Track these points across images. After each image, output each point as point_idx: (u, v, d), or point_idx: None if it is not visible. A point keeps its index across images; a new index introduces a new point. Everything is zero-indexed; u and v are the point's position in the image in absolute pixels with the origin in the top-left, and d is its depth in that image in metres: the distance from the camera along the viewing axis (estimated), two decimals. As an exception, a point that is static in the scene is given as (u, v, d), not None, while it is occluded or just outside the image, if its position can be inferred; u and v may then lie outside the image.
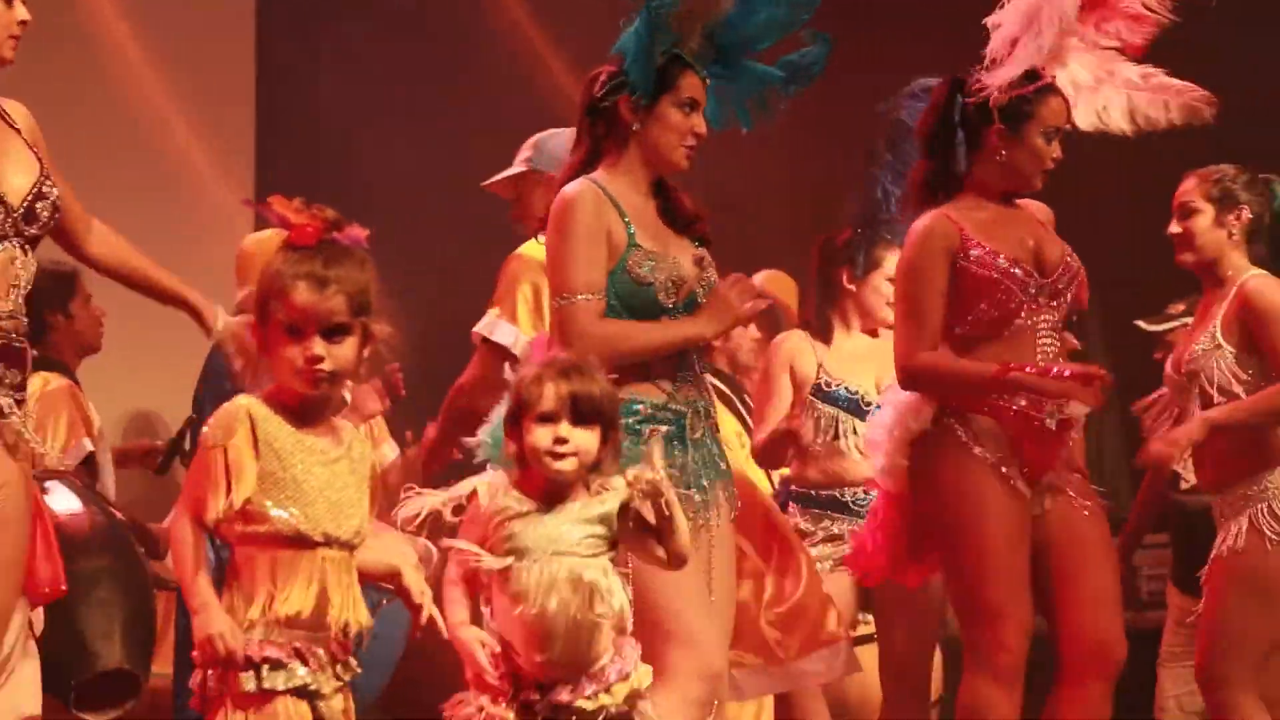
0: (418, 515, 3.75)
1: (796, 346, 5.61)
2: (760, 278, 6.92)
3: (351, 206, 3.79)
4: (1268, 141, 6.45)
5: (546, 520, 3.73)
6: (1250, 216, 5.21)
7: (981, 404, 4.60)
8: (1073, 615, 4.62)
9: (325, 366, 3.56)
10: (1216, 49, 5.04)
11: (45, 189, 3.82)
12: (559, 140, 5.34)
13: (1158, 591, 7.09)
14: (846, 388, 5.50)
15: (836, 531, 5.47)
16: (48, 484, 4.26)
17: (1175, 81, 4.93)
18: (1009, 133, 4.70)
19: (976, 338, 4.64)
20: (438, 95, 8.06)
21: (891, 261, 5.44)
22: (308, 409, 3.61)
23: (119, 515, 4.70)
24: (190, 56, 7.62)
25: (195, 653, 3.52)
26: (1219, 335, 5.11)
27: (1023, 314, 4.63)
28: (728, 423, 5.69)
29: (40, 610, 3.86)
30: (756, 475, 5.70)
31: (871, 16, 7.00)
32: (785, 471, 5.83)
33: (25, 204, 3.77)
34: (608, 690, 3.71)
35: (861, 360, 5.55)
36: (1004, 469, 4.58)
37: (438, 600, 3.79)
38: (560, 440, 3.73)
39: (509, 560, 3.67)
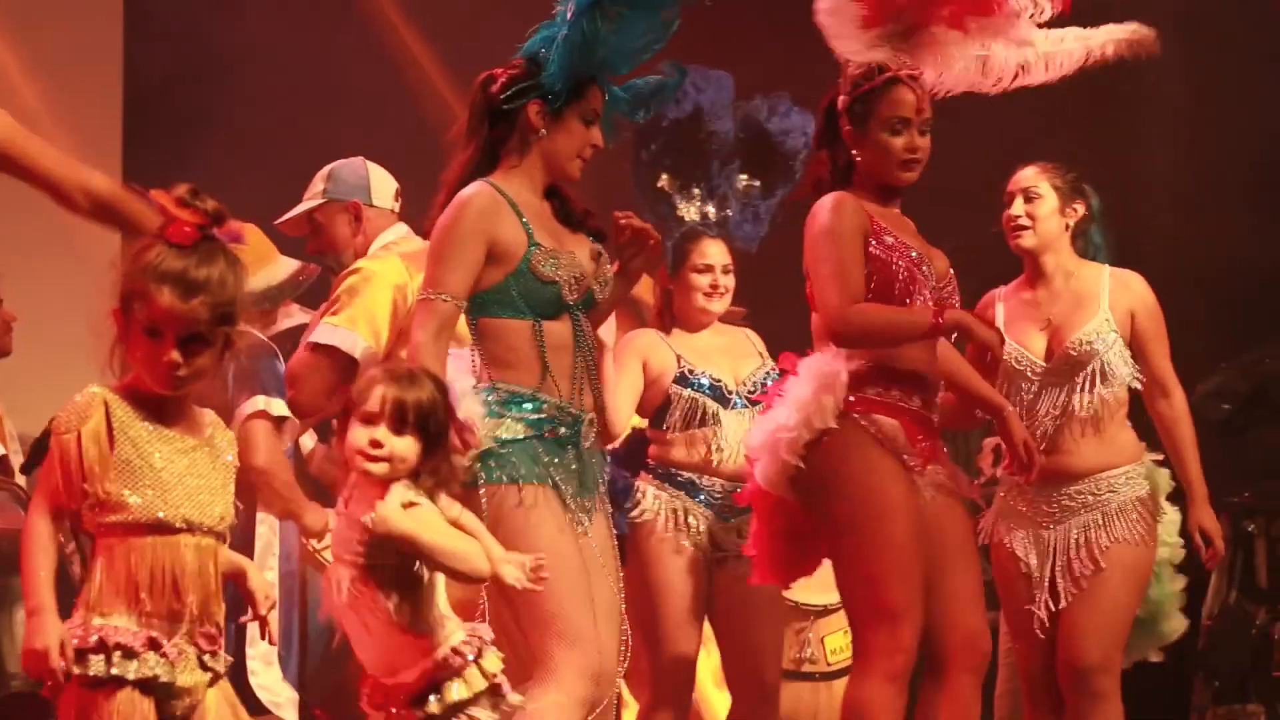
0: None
1: (650, 341, 5.59)
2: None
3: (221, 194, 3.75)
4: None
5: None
6: (1084, 213, 5.32)
7: (880, 404, 4.59)
8: (943, 608, 4.60)
9: (180, 372, 3.50)
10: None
11: None
12: (351, 168, 5.49)
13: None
14: (710, 375, 5.49)
15: (685, 516, 5.42)
16: None
17: (1103, 30, 4.96)
18: (857, 133, 4.71)
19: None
20: (304, 81, 8.03)
21: (699, 250, 5.56)
22: (165, 399, 3.56)
23: None
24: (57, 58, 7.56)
25: (22, 661, 3.46)
26: (1114, 324, 5.19)
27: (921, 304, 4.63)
28: None
29: None
30: None
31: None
32: None
33: None
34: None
35: (714, 353, 5.54)
36: (905, 468, 4.58)
37: None
38: (375, 444, 3.74)
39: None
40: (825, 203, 4.66)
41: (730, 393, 5.47)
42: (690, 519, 5.41)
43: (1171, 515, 5.25)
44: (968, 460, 5.55)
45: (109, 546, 3.49)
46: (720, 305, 5.61)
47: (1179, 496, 5.27)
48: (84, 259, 4.37)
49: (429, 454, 3.78)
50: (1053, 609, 5.13)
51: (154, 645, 3.46)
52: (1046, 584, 5.14)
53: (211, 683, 3.56)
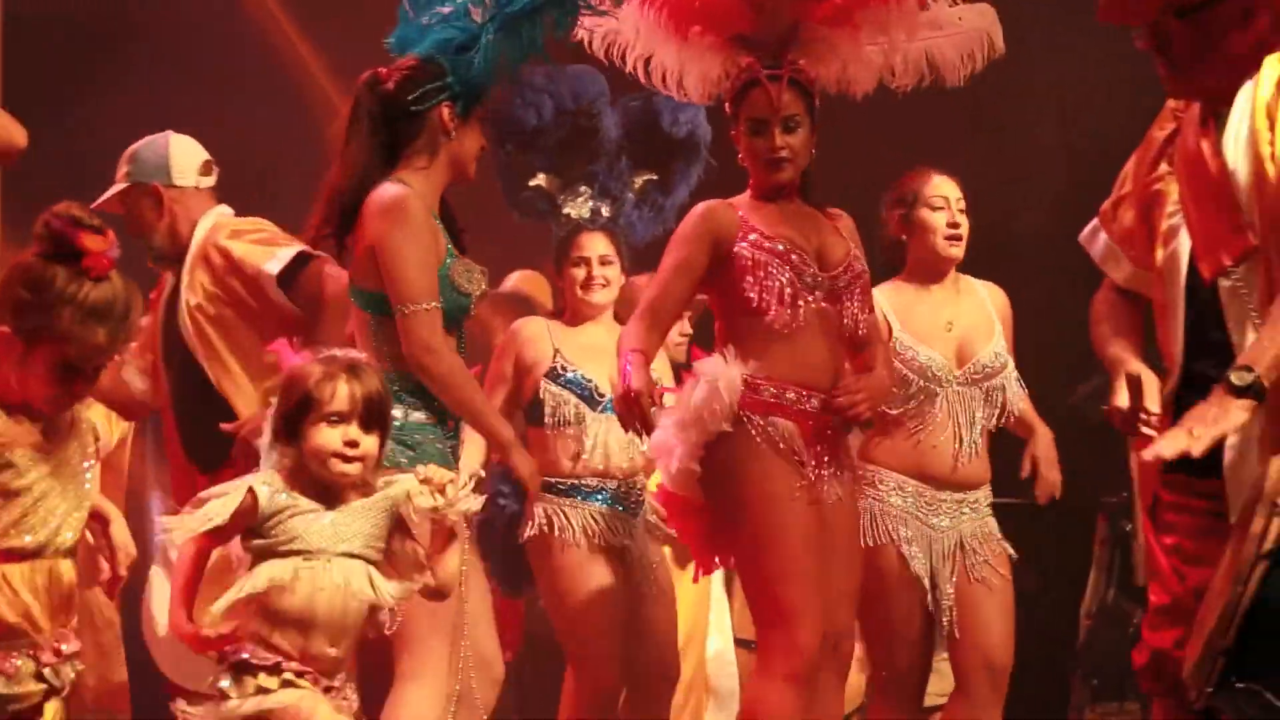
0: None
1: (532, 333, 5.57)
2: (514, 278, 6.96)
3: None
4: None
5: (331, 518, 3.66)
6: None
7: (776, 406, 4.58)
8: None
9: (65, 400, 3.51)
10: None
11: None
12: (153, 148, 5.38)
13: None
14: (582, 374, 5.47)
15: (581, 519, 5.40)
16: None
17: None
18: (735, 134, 4.74)
19: (755, 325, 4.61)
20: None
21: (580, 243, 5.57)
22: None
23: None
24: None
25: None
26: (1005, 344, 5.25)
27: (799, 303, 4.60)
28: None
29: None
30: None
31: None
32: None
33: None
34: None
35: (598, 351, 5.51)
36: (804, 470, 4.57)
37: None
38: (351, 443, 3.65)
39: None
40: (694, 210, 4.73)
41: (601, 396, 5.45)
42: (586, 519, 5.40)
43: None
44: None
45: None
46: (602, 296, 5.60)
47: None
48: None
49: (381, 446, 3.73)
50: (949, 613, 5.13)
51: None
52: (941, 586, 5.12)
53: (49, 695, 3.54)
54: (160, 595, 5.33)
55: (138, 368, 5.37)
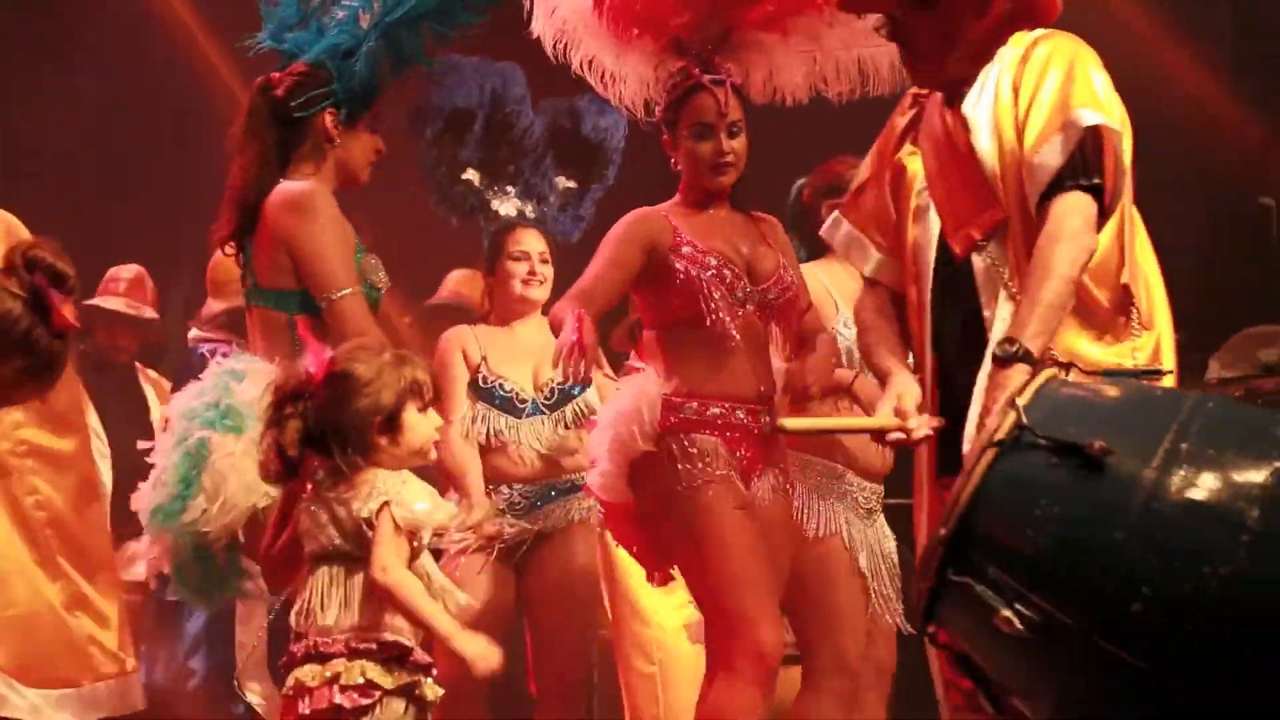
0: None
1: (462, 337, 5.58)
2: (454, 278, 6.98)
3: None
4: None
5: None
6: None
7: (698, 423, 4.62)
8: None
9: None
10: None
11: None
12: None
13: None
14: (502, 386, 5.48)
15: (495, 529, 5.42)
16: None
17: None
18: (671, 140, 4.78)
19: (684, 338, 4.66)
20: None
21: (514, 239, 5.62)
22: None
23: None
24: None
25: None
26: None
27: (730, 318, 4.63)
28: None
29: None
30: None
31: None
32: None
33: None
34: None
35: (523, 353, 5.55)
36: (731, 481, 4.59)
37: None
38: (438, 429, 3.84)
39: None
40: (630, 214, 4.75)
41: (523, 402, 5.46)
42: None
43: None
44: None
45: None
46: (540, 293, 5.62)
47: None
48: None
49: None
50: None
51: None
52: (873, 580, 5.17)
53: None
54: None
55: None
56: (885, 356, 3.90)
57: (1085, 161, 3.64)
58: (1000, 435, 2.90)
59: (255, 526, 4.25)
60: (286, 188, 4.48)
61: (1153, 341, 3.73)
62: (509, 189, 5.95)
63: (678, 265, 4.64)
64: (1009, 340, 3.50)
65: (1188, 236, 7.45)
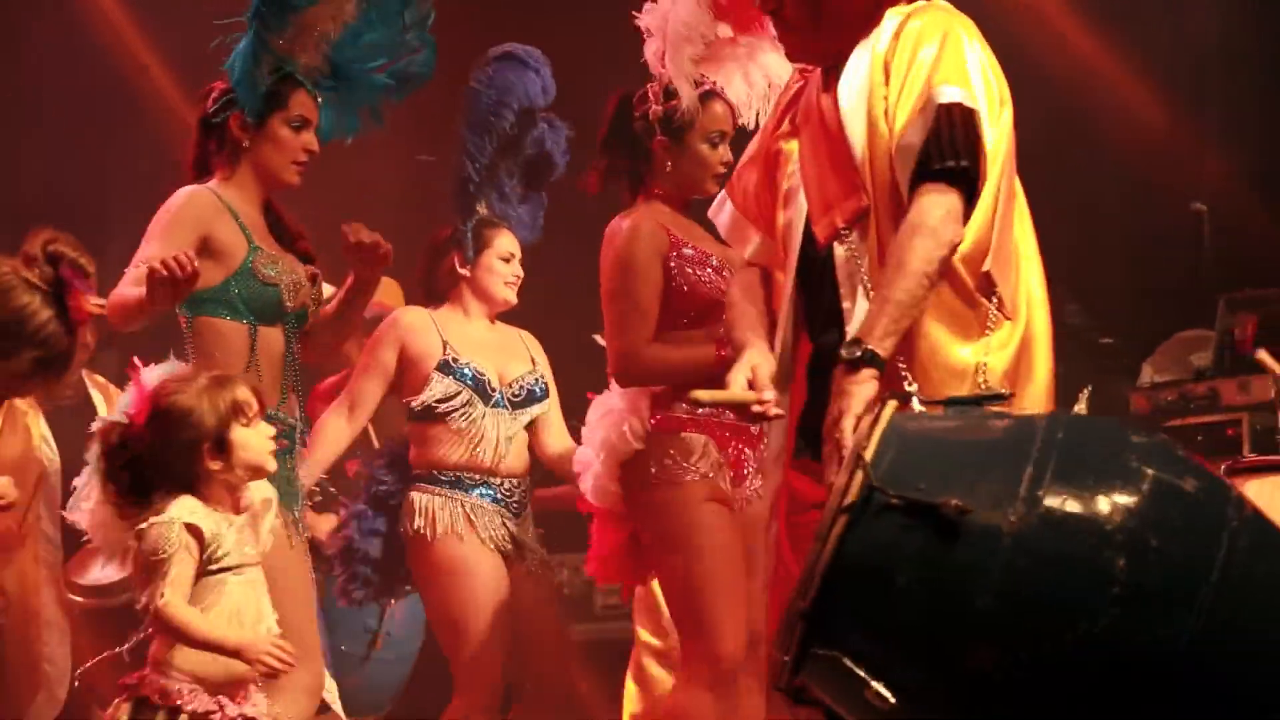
0: None
1: (414, 322, 5.52)
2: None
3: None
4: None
5: (247, 531, 3.77)
6: None
7: (688, 421, 4.64)
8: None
9: None
10: None
11: None
12: None
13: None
14: (474, 367, 5.44)
15: (470, 514, 5.34)
16: None
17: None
18: (672, 144, 4.79)
19: (677, 337, 4.71)
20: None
21: (502, 240, 5.55)
22: None
23: None
24: None
25: None
26: None
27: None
28: None
29: None
30: None
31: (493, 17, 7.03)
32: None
33: None
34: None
35: (485, 347, 5.52)
36: (713, 479, 4.63)
37: None
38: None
39: None
40: (623, 229, 4.74)
41: (493, 390, 5.44)
42: (474, 515, 5.33)
43: None
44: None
45: None
46: (513, 296, 5.59)
47: None
48: None
49: None
50: None
51: None
52: None
53: None
54: None
55: None
56: (744, 330, 3.68)
57: (949, 141, 3.40)
58: (850, 498, 2.66)
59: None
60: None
61: (1018, 334, 3.47)
62: (504, 189, 5.87)
63: (686, 268, 4.71)
64: (855, 342, 3.29)
65: (1120, 241, 7.57)
